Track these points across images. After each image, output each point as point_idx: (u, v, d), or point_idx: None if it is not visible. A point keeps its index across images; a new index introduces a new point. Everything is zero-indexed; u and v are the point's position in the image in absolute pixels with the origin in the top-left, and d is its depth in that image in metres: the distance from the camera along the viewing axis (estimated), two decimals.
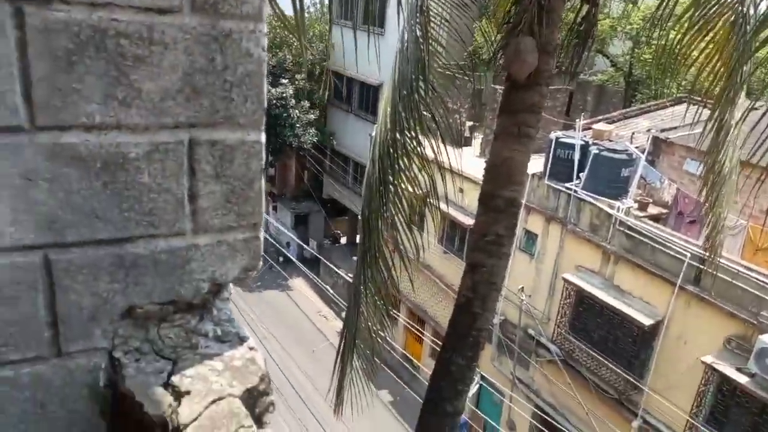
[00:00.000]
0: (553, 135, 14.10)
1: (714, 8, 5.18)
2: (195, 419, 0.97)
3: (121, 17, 0.96)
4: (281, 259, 21.31)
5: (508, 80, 5.45)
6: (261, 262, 1.22)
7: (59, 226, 0.99)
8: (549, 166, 13.95)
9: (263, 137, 1.16)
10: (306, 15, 22.66)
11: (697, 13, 5.23)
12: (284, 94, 21.26)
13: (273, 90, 21.15)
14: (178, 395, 1.02)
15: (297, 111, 21.68)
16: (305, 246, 19.05)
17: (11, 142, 0.93)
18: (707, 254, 6.66)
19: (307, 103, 22.09)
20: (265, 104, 1.14)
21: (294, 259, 18.72)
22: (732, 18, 5.17)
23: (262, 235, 1.21)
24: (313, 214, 25.31)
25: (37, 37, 0.90)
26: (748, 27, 4.98)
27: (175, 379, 1.05)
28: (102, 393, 1.09)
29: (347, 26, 20.65)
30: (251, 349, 1.17)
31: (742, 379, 10.11)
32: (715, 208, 5.94)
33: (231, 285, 1.26)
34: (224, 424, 0.96)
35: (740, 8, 5.08)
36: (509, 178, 5.57)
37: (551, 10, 5.19)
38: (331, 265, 17.02)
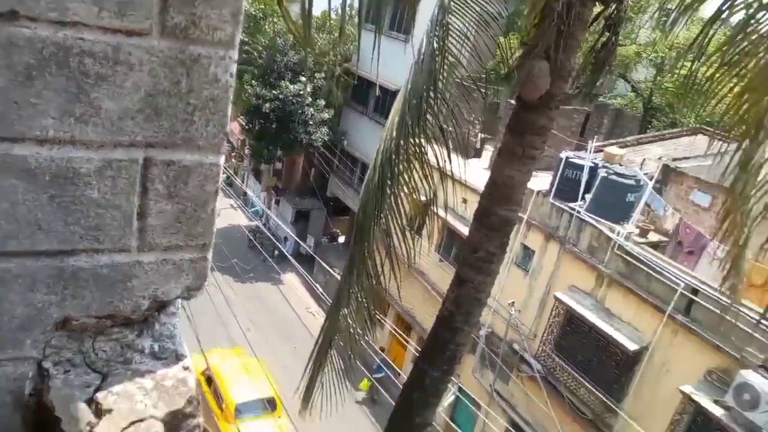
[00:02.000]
0: (563, 154, 14.07)
1: (748, 48, 5.03)
2: None
3: (88, 36, 0.96)
4: (276, 252, 21.28)
5: (518, 100, 5.44)
6: (207, 281, 1.22)
7: (0, 236, 1.00)
8: (556, 184, 13.94)
9: (222, 160, 1.16)
10: (333, 15, 22.57)
11: (730, 51, 5.10)
12: (301, 92, 21.24)
13: (291, 86, 21.14)
14: (100, 413, 1.03)
15: (312, 109, 21.65)
16: (301, 243, 19.05)
17: None
18: (727, 297, 6.52)
19: (322, 102, 22.06)
20: (228, 128, 1.14)
21: (288, 254, 18.70)
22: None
23: (210, 255, 1.21)
24: (315, 211, 25.28)
25: None
26: None
27: (100, 395, 1.06)
28: (26, 402, 1.09)
29: (371, 30, 20.56)
30: (186, 368, 1.17)
31: (718, 411, 10.14)
32: (738, 249, 5.78)
33: (179, 300, 1.26)
34: None
35: None
36: (507, 197, 5.57)
37: (570, 36, 5.16)
38: (324, 264, 17.00)
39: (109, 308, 1.13)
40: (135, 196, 1.09)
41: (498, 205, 5.51)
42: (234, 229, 23.65)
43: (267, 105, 21.11)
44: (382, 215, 5.16)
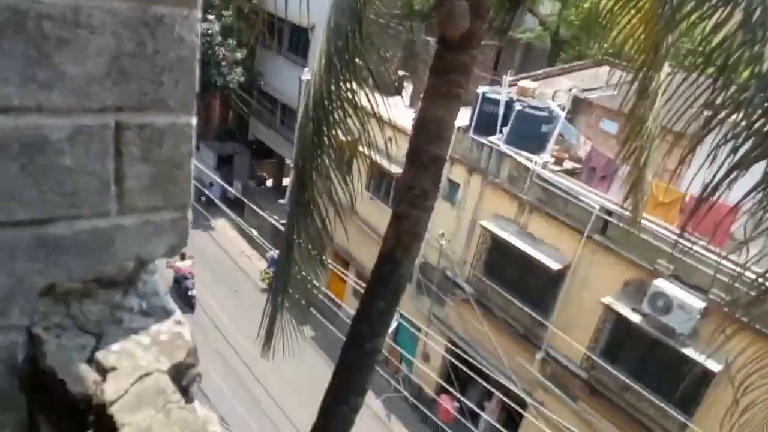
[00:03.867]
0: (480, 90, 14.33)
1: None
2: (121, 396, 1.01)
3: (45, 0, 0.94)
4: (203, 199, 20.76)
5: (440, 41, 5.48)
6: (188, 240, 1.25)
7: None
8: (475, 120, 14.25)
9: (194, 121, 1.17)
10: None
11: None
12: (210, 31, 20.17)
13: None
14: (104, 371, 1.06)
15: (223, 49, 20.69)
16: (228, 188, 18.55)
17: None
18: (628, 212, 7.12)
19: (234, 42, 21.11)
20: (197, 88, 1.15)
21: (217, 201, 18.22)
22: None
23: (190, 215, 1.24)
24: (238, 155, 24.48)
25: None
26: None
27: (99, 355, 1.08)
28: (20, 368, 1.11)
29: None
30: (178, 323, 1.21)
31: (636, 318, 11.22)
32: (639, 170, 6.22)
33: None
34: (151, 401, 1.01)
35: None
36: (436, 136, 5.67)
37: None
38: (256, 208, 16.72)
39: (94, 272, 1.14)
40: (110, 161, 1.09)
41: (428, 144, 5.62)
42: None
43: None
44: (320, 161, 5.21)
